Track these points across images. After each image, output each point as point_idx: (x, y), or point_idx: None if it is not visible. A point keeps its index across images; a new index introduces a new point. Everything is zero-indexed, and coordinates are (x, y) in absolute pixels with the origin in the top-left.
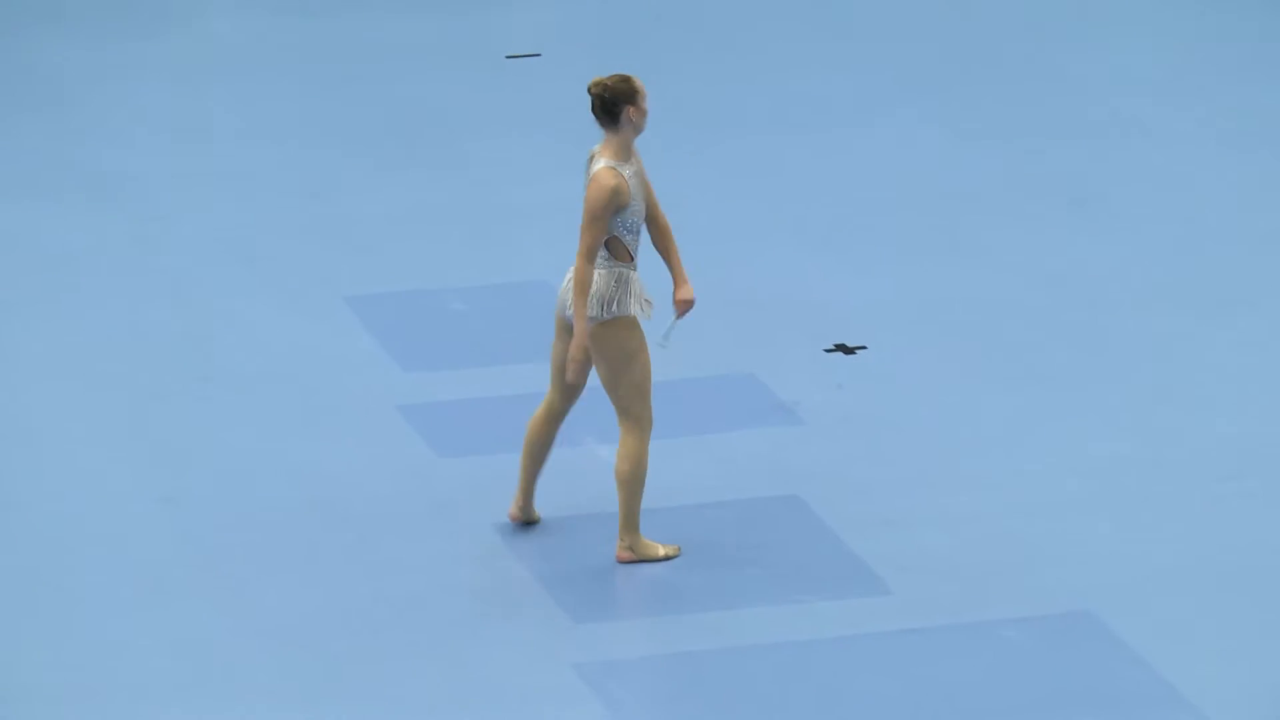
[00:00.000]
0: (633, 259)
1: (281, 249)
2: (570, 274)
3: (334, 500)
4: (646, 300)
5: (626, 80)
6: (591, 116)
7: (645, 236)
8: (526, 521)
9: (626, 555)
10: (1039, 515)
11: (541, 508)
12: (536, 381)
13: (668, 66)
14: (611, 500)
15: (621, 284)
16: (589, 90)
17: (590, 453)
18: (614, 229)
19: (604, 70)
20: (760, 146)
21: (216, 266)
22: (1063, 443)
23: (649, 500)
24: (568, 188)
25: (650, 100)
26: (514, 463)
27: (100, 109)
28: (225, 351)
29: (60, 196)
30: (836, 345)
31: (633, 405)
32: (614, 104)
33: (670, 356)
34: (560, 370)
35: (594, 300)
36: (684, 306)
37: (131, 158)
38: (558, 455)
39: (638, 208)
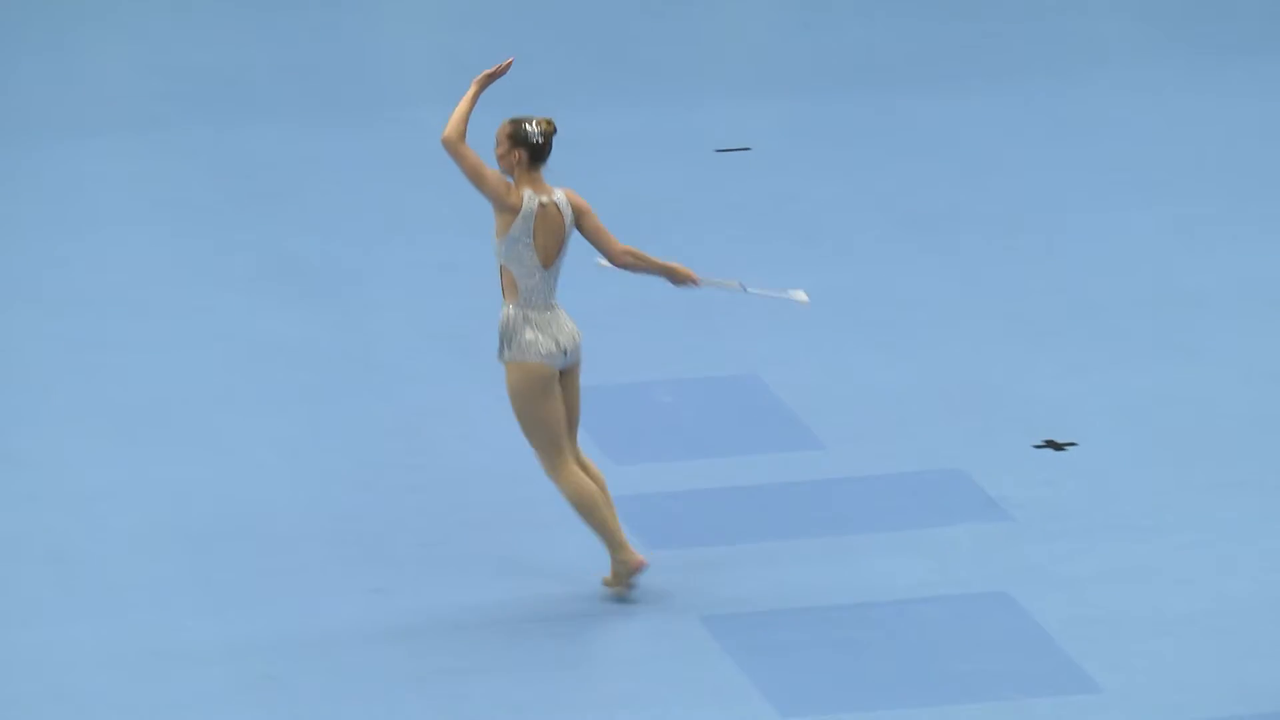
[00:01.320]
0: (520, 298)
1: (494, 341)
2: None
3: (546, 595)
4: (560, 340)
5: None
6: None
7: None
8: (632, 575)
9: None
10: (1252, 615)
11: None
12: (746, 474)
13: (886, 165)
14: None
15: (519, 326)
16: (552, 132)
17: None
18: (502, 258)
19: (818, 167)
20: (979, 241)
21: (429, 357)
22: (1277, 544)
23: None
24: (776, 280)
25: (871, 195)
26: (725, 555)
27: (314, 201)
28: (438, 443)
29: (275, 288)
30: (1046, 441)
31: (541, 445)
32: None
33: (878, 451)
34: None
35: (500, 337)
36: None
37: (344, 249)
38: None
39: (527, 243)
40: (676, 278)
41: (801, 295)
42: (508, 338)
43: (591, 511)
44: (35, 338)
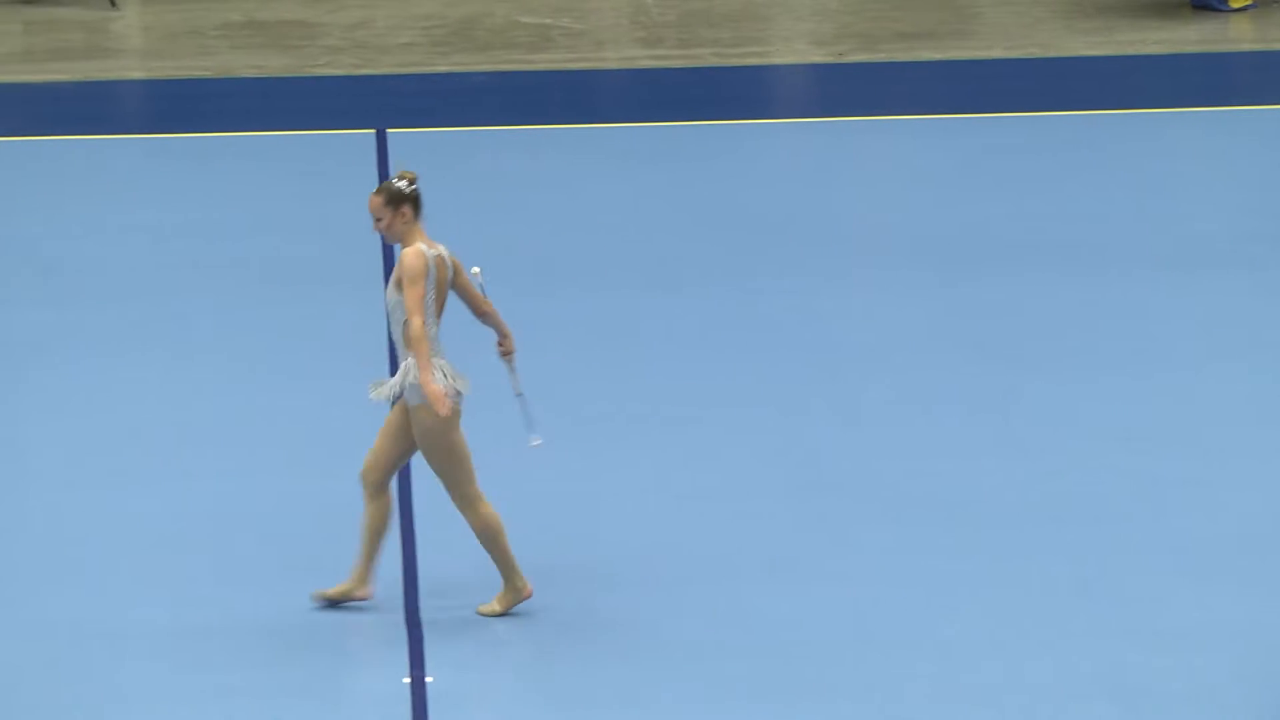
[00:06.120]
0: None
1: None
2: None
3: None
4: (456, 381)
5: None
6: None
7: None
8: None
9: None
10: None
11: None
12: None
13: None
14: None
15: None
16: (417, 179)
17: None
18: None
19: None
20: None
21: None
22: None
23: None
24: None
25: None
26: None
27: None
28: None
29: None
30: None
31: (458, 478)
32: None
33: None
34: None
35: (403, 385)
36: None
37: None
38: None
39: (432, 295)
40: (502, 348)
41: (537, 440)
42: (416, 383)
43: (497, 539)
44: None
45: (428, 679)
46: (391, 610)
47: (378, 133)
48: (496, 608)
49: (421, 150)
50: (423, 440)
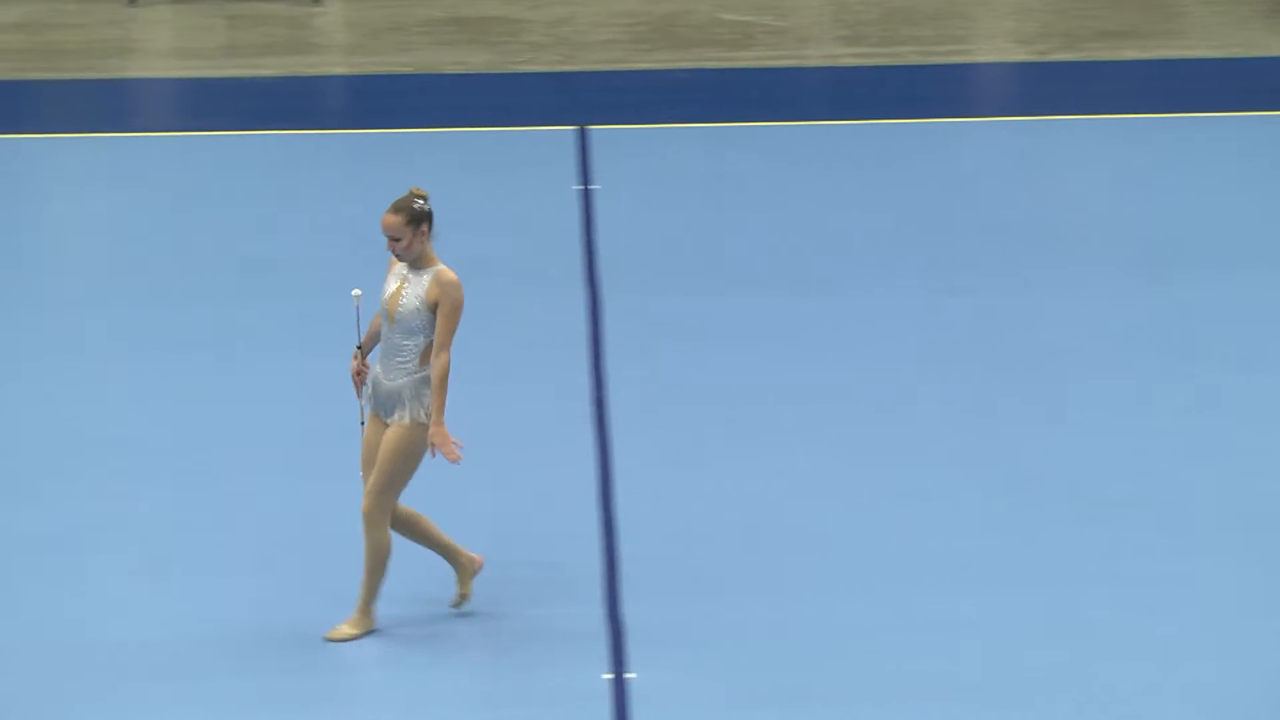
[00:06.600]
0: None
1: None
2: (384, 371)
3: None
4: None
5: None
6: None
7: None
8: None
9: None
10: None
11: None
12: None
13: None
14: None
15: (424, 390)
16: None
17: None
18: (428, 333)
19: None
20: None
21: None
22: None
23: None
24: None
25: None
26: None
27: None
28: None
29: None
30: None
31: (392, 498)
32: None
33: None
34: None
35: (410, 400)
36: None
37: None
38: None
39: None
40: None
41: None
42: (420, 400)
43: (383, 565)
44: None
45: (628, 675)
46: (592, 607)
47: (578, 129)
48: (348, 630)
49: (622, 147)
50: (398, 448)
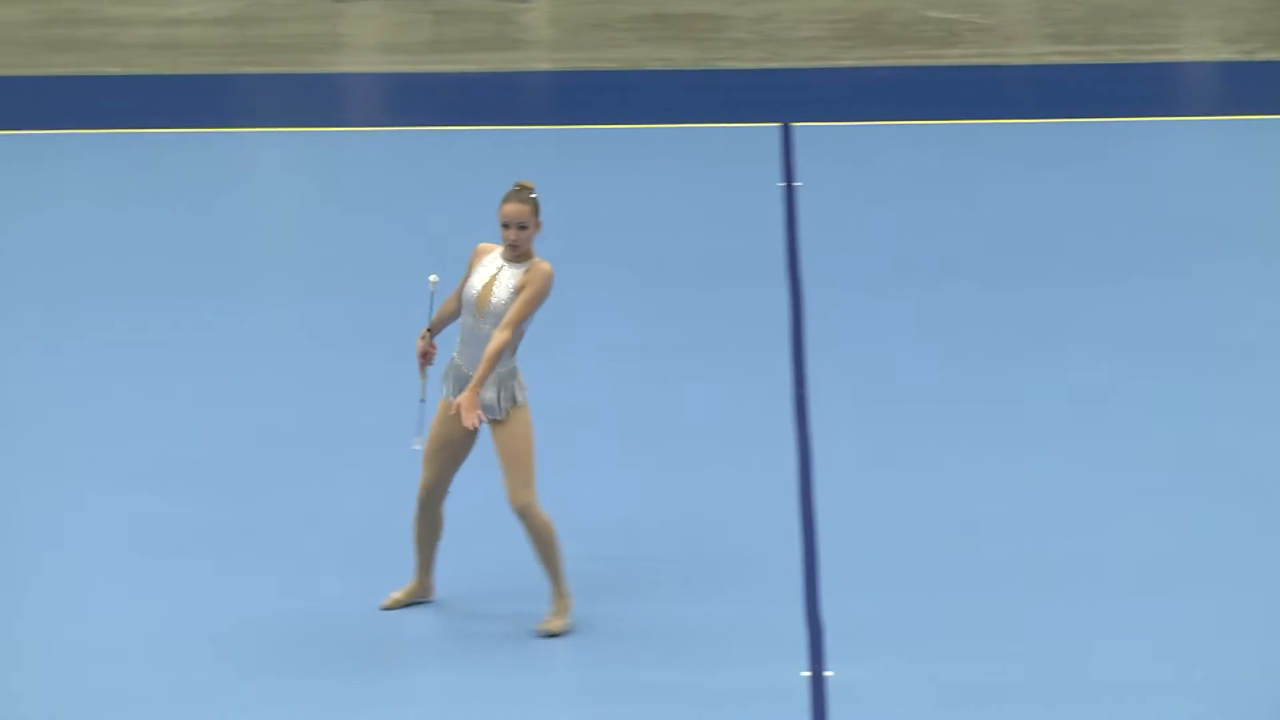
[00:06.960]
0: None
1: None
2: (468, 363)
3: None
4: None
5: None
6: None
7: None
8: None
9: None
10: None
11: None
12: None
13: None
14: None
15: (519, 376)
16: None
17: None
18: (525, 325)
19: None
20: None
21: None
22: None
23: None
24: None
25: None
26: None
27: None
28: None
29: None
30: None
31: (530, 476)
32: None
33: None
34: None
35: (507, 390)
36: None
37: None
38: None
39: None
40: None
41: (419, 444)
42: (519, 387)
43: (554, 544)
44: None
45: (827, 673)
46: (791, 603)
47: (782, 126)
48: (558, 623)
49: (825, 145)
50: (516, 436)
